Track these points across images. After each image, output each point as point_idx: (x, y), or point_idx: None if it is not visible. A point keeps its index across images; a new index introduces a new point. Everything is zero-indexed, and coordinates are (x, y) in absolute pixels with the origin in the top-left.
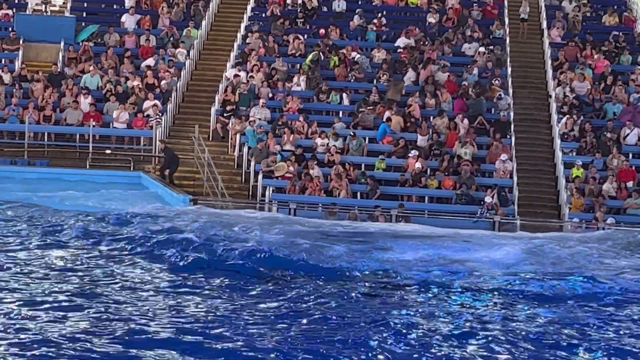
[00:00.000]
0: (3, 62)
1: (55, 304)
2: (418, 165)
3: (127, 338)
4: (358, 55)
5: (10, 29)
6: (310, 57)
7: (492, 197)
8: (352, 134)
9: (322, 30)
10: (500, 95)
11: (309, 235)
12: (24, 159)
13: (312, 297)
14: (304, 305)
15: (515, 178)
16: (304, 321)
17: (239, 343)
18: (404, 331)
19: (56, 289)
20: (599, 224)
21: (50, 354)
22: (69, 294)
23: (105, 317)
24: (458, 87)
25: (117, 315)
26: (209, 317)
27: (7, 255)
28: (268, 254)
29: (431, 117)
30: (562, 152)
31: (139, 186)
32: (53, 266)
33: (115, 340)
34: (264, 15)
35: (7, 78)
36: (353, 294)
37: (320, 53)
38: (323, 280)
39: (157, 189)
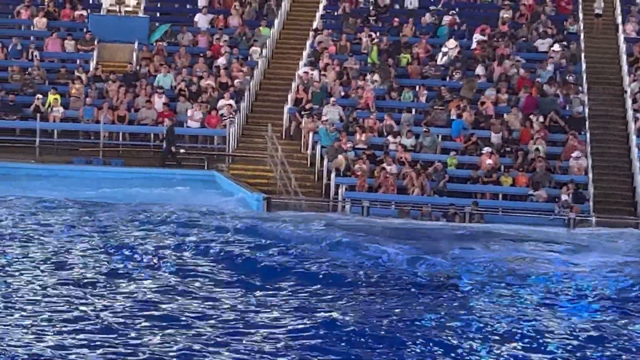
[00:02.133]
0: (78, 62)
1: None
2: (491, 162)
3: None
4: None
5: (85, 29)
6: (373, 53)
7: (568, 195)
8: (425, 130)
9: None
10: (579, 90)
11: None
12: (99, 159)
13: None
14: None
15: (590, 175)
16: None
17: None
18: None
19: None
20: None
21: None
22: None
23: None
24: (531, 84)
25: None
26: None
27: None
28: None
29: (504, 114)
30: (637, 149)
31: (213, 185)
32: (131, 262)
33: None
34: (335, 13)
35: (82, 78)
36: None
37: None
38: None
39: (231, 187)
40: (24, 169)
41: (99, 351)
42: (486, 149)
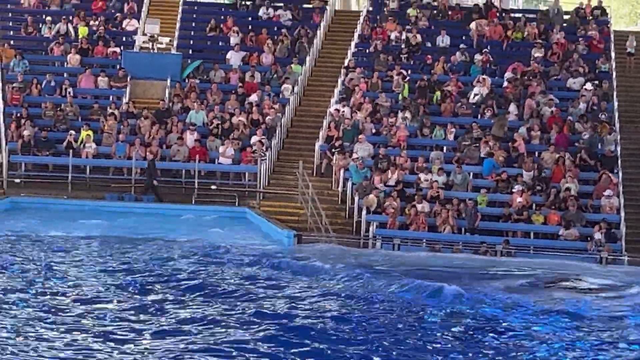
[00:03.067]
0: (111, 99)
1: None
2: (521, 200)
3: None
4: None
5: (118, 66)
6: (404, 90)
7: (601, 233)
8: (457, 167)
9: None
10: (611, 128)
11: None
12: (131, 195)
13: None
14: None
15: (622, 214)
16: None
17: None
18: None
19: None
20: None
21: None
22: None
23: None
24: (563, 122)
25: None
26: None
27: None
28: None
29: (536, 152)
30: None
31: (244, 221)
32: (161, 299)
33: None
34: (367, 51)
35: (115, 114)
36: None
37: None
38: None
39: (262, 224)
40: (57, 205)
41: None
42: (517, 187)
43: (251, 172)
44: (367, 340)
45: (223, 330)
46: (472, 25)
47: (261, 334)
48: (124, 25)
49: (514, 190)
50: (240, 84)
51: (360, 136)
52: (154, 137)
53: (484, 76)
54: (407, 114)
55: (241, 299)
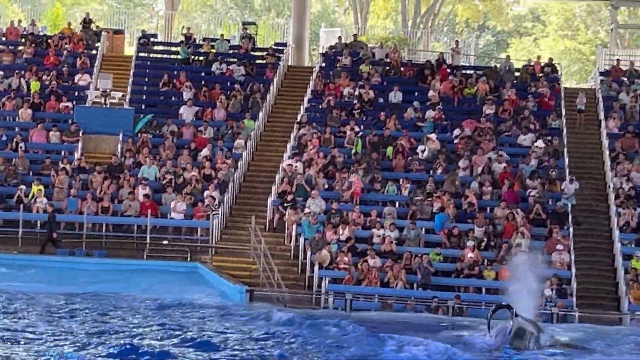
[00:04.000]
0: (63, 153)
1: None
2: (472, 255)
3: None
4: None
5: (70, 121)
6: (357, 145)
7: (552, 289)
8: (411, 223)
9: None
10: (563, 187)
11: None
12: (82, 250)
13: None
14: None
15: (573, 269)
16: None
17: None
18: None
19: None
20: None
21: None
22: None
23: None
24: (514, 178)
25: None
26: None
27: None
28: None
29: (487, 208)
30: (621, 244)
31: (196, 276)
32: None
33: None
34: (320, 106)
35: (66, 169)
36: None
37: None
38: None
39: (213, 279)
40: (6, 260)
41: None
42: (469, 243)
43: (203, 227)
44: None
45: None
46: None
47: None
48: (76, 80)
49: (466, 245)
50: (193, 139)
51: (314, 191)
52: (106, 191)
53: (432, 135)
54: (360, 169)
55: (189, 355)
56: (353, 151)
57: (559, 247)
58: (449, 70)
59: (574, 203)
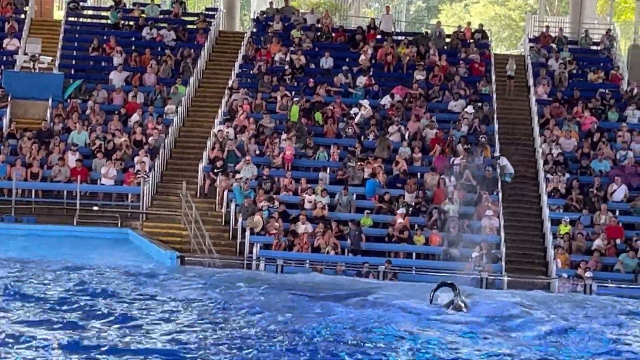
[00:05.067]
0: None
1: None
2: (403, 221)
3: None
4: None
5: None
6: (293, 111)
7: (480, 254)
8: (344, 189)
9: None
10: (493, 153)
11: None
12: (11, 216)
13: None
14: None
15: (502, 235)
16: None
17: None
18: None
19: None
20: (586, 281)
21: None
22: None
23: None
24: (444, 144)
25: None
26: None
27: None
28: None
29: (418, 173)
30: (549, 209)
31: (126, 242)
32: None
33: None
34: (251, 72)
35: None
36: None
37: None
38: None
39: (144, 245)
40: None
41: None
42: (401, 210)
43: (134, 193)
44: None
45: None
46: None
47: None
48: (4, 45)
49: (398, 212)
50: (123, 105)
51: (246, 157)
52: (35, 157)
53: (364, 101)
54: (292, 135)
55: (119, 320)
56: (289, 118)
57: (489, 212)
58: (379, 37)
59: (510, 180)
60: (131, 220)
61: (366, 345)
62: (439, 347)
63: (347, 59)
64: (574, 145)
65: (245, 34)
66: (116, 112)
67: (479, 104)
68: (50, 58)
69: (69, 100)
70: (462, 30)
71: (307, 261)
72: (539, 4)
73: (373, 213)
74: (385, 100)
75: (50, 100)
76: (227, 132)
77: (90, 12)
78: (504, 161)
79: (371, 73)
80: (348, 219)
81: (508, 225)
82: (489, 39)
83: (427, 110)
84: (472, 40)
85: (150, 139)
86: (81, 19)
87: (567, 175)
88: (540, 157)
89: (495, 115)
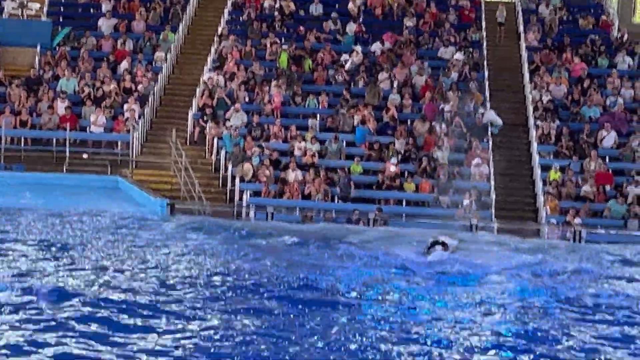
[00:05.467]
0: None
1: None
2: (395, 168)
3: None
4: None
5: None
6: (282, 58)
7: (470, 201)
8: (334, 137)
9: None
10: (481, 97)
11: None
12: (0, 164)
13: None
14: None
15: (492, 181)
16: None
17: None
18: None
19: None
20: (575, 227)
21: None
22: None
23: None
24: (435, 91)
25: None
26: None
27: None
28: None
29: (408, 120)
30: (539, 156)
31: (116, 190)
32: (31, 270)
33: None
34: (241, 19)
35: None
36: None
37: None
38: None
39: (134, 193)
40: None
41: None
42: (393, 160)
43: (123, 141)
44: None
45: (88, 294)
46: None
47: (133, 296)
48: None
49: (390, 161)
50: (112, 52)
51: (236, 105)
52: (24, 105)
53: (357, 47)
54: (281, 83)
55: (111, 267)
56: (278, 65)
57: (477, 160)
58: None
59: (497, 132)
60: (121, 168)
61: (354, 293)
62: (420, 295)
63: (337, 6)
64: (564, 91)
65: None
66: (105, 59)
67: (469, 51)
68: (39, 5)
69: (57, 48)
70: None
71: (297, 208)
72: None
73: (363, 160)
74: (375, 47)
75: (38, 48)
76: (217, 80)
77: None
78: (490, 116)
79: (361, 20)
80: (338, 167)
81: (498, 172)
82: None
83: (417, 57)
84: None
85: (139, 86)
86: None
87: (557, 121)
88: (530, 103)
89: (485, 62)
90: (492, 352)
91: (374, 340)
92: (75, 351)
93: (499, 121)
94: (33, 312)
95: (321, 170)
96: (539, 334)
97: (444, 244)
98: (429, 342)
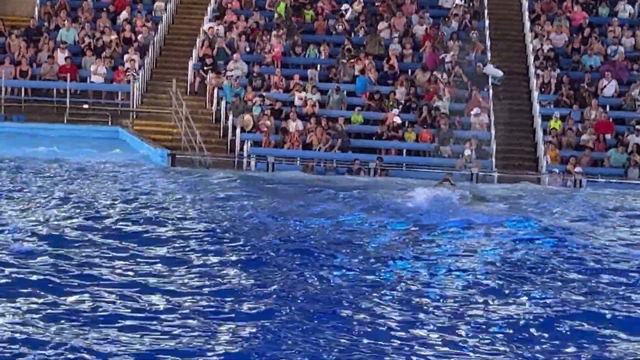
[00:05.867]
0: None
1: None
2: (396, 118)
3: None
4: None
5: None
6: (280, 7)
7: (471, 150)
8: (336, 87)
9: None
10: (482, 46)
11: None
12: (0, 114)
13: None
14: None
15: (493, 131)
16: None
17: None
18: None
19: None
20: (575, 176)
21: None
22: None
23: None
24: (435, 40)
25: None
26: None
27: None
28: None
29: (409, 70)
30: (539, 105)
31: (117, 141)
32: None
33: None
34: None
35: None
36: None
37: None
38: None
39: (135, 143)
40: None
41: None
42: (395, 111)
43: (124, 91)
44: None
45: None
46: None
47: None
48: None
49: (392, 111)
50: (111, 2)
51: (236, 55)
52: (24, 55)
53: None
54: (282, 33)
55: (113, 216)
56: (276, 15)
57: (476, 110)
58: None
59: (499, 83)
60: (121, 118)
61: (357, 240)
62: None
63: None
64: (565, 40)
65: None
66: (105, 9)
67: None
68: None
69: None
70: None
71: (298, 159)
72: None
73: (363, 110)
74: None
75: None
76: (217, 29)
77: None
78: (490, 69)
79: None
80: (338, 116)
81: (498, 121)
82: None
83: (418, 6)
84: None
85: (139, 36)
86: None
87: (558, 70)
88: (530, 52)
89: (485, 11)
90: (492, 295)
91: (376, 287)
92: (74, 297)
93: (500, 73)
94: (38, 259)
95: (322, 120)
96: (536, 278)
97: (449, 181)
98: (429, 288)
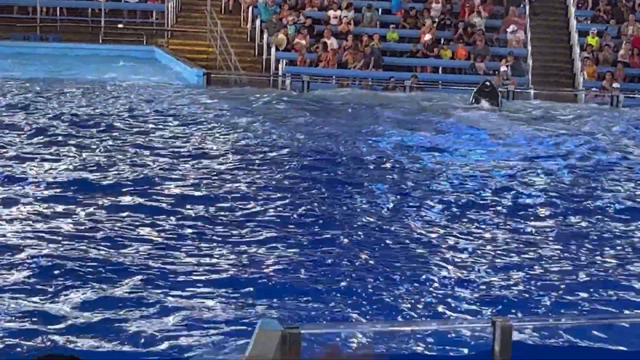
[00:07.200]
0: None
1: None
2: (430, 35)
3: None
4: None
5: None
6: None
7: (507, 66)
8: (367, 5)
9: None
10: None
11: None
12: (36, 34)
13: None
14: None
15: (529, 47)
16: None
17: None
18: None
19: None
20: (613, 92)
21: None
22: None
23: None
24: None
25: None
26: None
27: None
28: None
29: None
30: (576, 20)
31: (152, 60)
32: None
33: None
34: None
35: None
36: None
37: None
38: None
39: (170, 62)
40: None
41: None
42: (426, 22)
43: (158, 10)
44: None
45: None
46: None
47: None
48: None
49: (422, 25)
50: None
51: None
52: None
53: None
54: None
55: (151, 134)
56: None
57: (512, 27)
58: None
59: None
60: (156, 37)
61: (394, 158)
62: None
63: None
64: None
65: None
66: None
67: None
68: None
69: None
70: None
71: (333, 77)
72: None
73: (399, 27)
74: None
75: None
76: None
77: None
78: None
79: None
80: (373, 34)
81: (535, 37)
82: None
83: None
84: None
85: None
86: None
87: None
88: None
89: None
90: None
91: (410, 205)
92: (107, 224)
93: None
94: (72, 183)
95: (358, 38)
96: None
97: (491, 96)
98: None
